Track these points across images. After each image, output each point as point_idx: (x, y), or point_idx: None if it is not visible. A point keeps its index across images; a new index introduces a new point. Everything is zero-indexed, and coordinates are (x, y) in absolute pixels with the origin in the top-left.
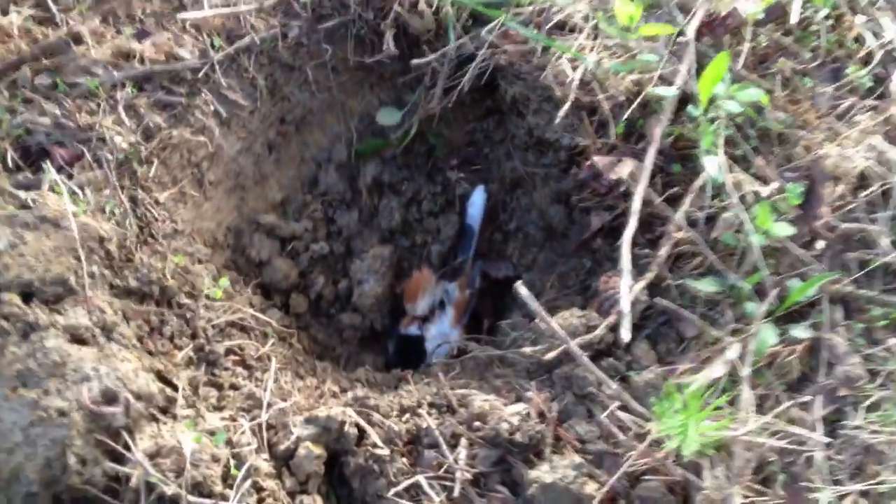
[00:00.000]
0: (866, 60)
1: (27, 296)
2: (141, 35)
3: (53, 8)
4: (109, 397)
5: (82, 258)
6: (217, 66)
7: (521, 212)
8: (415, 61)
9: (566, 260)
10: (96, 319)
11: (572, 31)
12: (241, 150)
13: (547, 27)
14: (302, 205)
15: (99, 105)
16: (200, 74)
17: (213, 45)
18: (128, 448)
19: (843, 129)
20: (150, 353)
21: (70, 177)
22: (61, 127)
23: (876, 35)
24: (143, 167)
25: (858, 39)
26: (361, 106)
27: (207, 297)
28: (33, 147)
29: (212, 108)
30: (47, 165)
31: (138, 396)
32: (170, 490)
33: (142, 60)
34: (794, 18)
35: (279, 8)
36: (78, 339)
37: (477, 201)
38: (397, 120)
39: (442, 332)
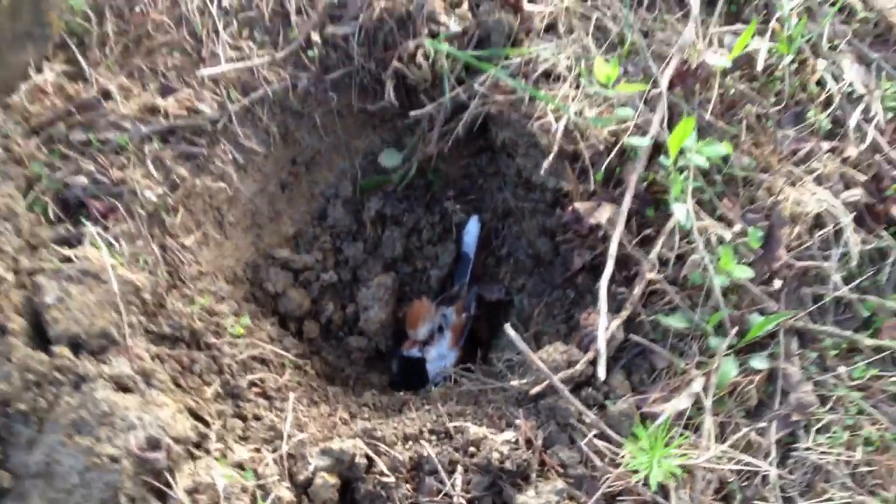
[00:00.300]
0: (827, 102)
1: (75, 347)
2: (165, 91)
3: (83, 63)
4: (153, 444)
5: (122, 310)
6: (234, 117)
7: (511, 239)
8: (413, 113)
9: (552, 290)
10: (137, 367)
11: (557, 79)
12: (256, 192)
13: (534, 76)
14: (312, 237)
15: (129, 159)
16: (219, 125)
17: (229, 98)
18: (169, 486)
19: (802, 172)
20: (182, 389)
21: (106, 229)
22: (96, 181)
23: (836, 78)
24: (170, 216)
25: (820, 83)
26: (365, 145)
27: (231, 334)
28: (71, 200)
29: (230, 156)
30: (86, 221)
31: (177, 440)
32: None
33: (166, 115)
34: (759, 66)
35: (289, 60)
36: (122, 387)
37: (472, 230)
38: (398, 162)
39: (441, 354)
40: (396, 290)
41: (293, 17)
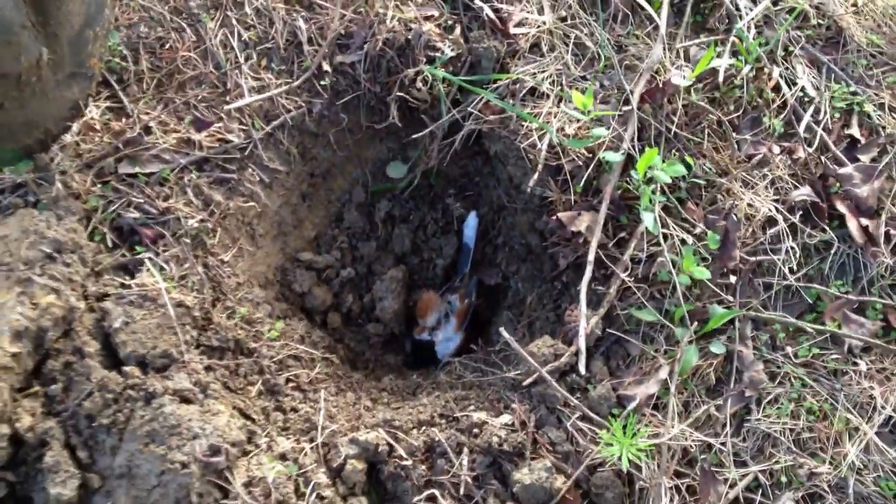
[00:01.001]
0: (782, 106)
1: (143, 366)
2: (198, 124)
3: (125, 100)
4: (214, 450)
5: (178, 331)
6: (258, 143)
7: (506, 230)
8: (414, 136)
9: (542, 283)
10: (195, 380)
11: (541, 96)
12: (281, 205)
13: (520, 95)
14: (331, 239)
15: (171, 189)
16: (246, 152)
17: (254, 126)
18: (229, 482)
19: (757, 176)
20: (232, 391)
21: (157, 254)
22: (145, 211)
23: (790, 83)
24: (209, 237)
25: (776, 88)
26: (373, 156)
27: (268, 338)
28: (125, 229)
29: (257, 177)
30: (140, 248)
31: (233, 444)
32: None
33: (200, 147)
34: (721, 79)
35: (304, 87)
36: (184, 399)
37: (471, 224)
38: (404, 173)
39: (447, 337)
40: (407, 281)
41: (305, 47)
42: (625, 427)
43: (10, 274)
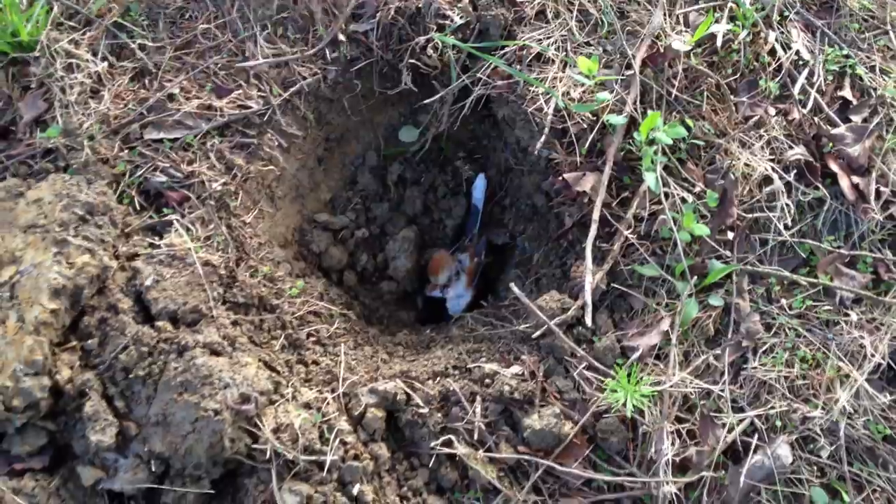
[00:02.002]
0: (778, 69)
1: (174, 321)
2: (219, 91)
3: (150, 66)
4: (245, 398)
5: (206, 288)
6: (277, 110)
7: (513, 191)
8: (425, 101)
9: (548, 241)
10: (223, 334)
11: (547, 62)
12: (298, 168)
13: (527, 61)
14: (346, 201)
15: (195, 154)
16: (265, 118)
17: (272, 93)
18: (259, 428)
19: (754, 136)
20: (257, 346)
21: (182, 216)
22: (170, 175)
23: (785, 47)
24: (232, 199)
25: (772, 52)
26: (386, 120)
27: (289, 295)
28: (151, 192)
29: (276, 142)
30: (167, 210)
31: (261, 393)
32: (290, 455)
33: (221, 113)
34: (719, 44)
35: (319, 55)
36: (214, 352)
37: (479, 186)
38: (415, 137)
39: (458, 294)
40: (418, 241)
41: (319, 16)
42: (629, 375)
43: (45, 235)
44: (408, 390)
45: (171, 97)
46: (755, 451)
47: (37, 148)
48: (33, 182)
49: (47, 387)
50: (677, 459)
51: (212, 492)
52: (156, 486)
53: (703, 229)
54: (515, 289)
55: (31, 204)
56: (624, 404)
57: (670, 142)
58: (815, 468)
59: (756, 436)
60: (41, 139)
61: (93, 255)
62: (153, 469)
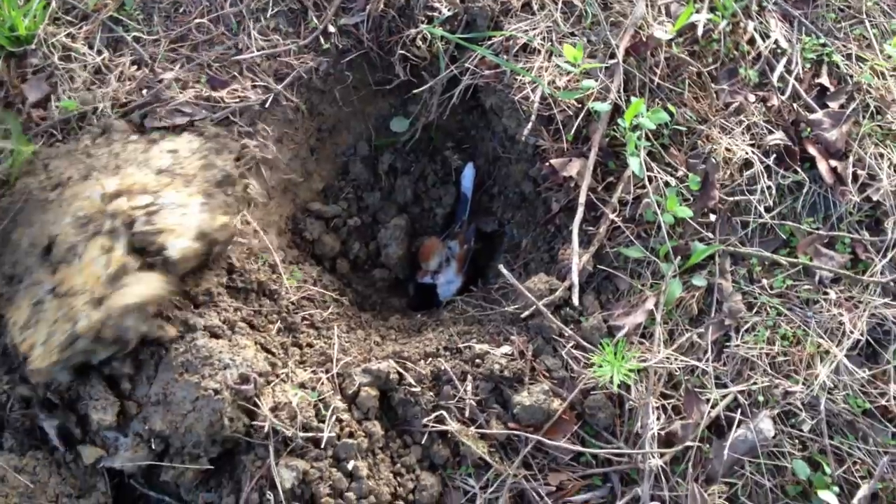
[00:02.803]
0: (757, 58)
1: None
2: (213, 83)
3: (146, 57)
4: (244, 378)
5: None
6: (269, 101)
7: (501, 179)
8: (416, 91)
9: (536, 227)
10: (224, 318)
11: (533, 52)
12: (291, 157)
13: (514, 51)
14: (338, 190)
15: None
16: (259, 108)
17: (266, 84)
18: (257, 406)
19: (734, 122)
20: (255, 329)
21: None
22: None
23: (764, 36)
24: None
25: (751, 41)
26: (376, 111)
27: (286, 282)
28: None
29: (269, 133)
30: None
31: (260, 374)
32: (289, 432)
33: (216, 103)
34: (699, 32)
35: (311, 47)
36: (215, 334)
37: (468, 174)
38: (406, 127)
39: (449, 280)
40: (409, 229)
41: (311, 12)
42: (615, 352)
43: (188, 182)
44: (400, 370)
45: (167, 87)
46: (738, 426)
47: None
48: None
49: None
50: (663, 433)
51: (210, 467)
52: (155, 463)
53: (686, 212)
54: (504, 270)
55: (164, 152)
56: (611, 380)
57: (654, 127)
58: (797, 441)
59: (739, 411)
60: (61, 109)
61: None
62: (153, 447)
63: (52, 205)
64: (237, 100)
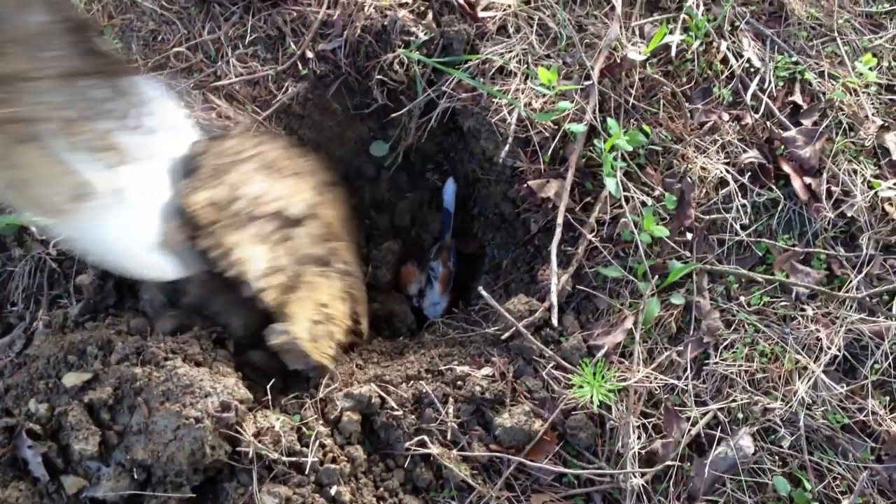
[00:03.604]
0: (730, 77)
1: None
2: (193, 110)
3: None
4: (225, 406)
5: None
6: (249, 126)
7: (481, 200)
8: (393, 115)
9: (515, 247)
10: (203, 346)
11: (509, 75)
12: None
13: (490, 73)
14: None
15: None
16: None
17: (246, 109)
18: (239, 433)
19: (709, 141)
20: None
21: None
22: None
23: (737, 55)
24: None
25: (724, 60)
26: (355, 135)
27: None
28: None
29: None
30: None
31: (241, 401)
32: (273, 455)
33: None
34: (673, 53)
35: (289, 73)
36: (196, 362)
37: (449, 189)
38: (386, 151)
39: (434, 301)
40: (401, 254)
41: (289, 39)
42: (595, 372)
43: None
44: (382, 394)
45: None
46: (718, 443)
47: None
48: None
49: None
50: (643, 453)
51: (193, 496)
52: (138, 492)
53: (662, 231)
54: (484, 293)
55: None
56: (591, 400)
57: (630, 148)
58: (777, 458)
59: (719, 428)
60: None
61: None
62: (135, 477)
63: None
64: (219, 126)
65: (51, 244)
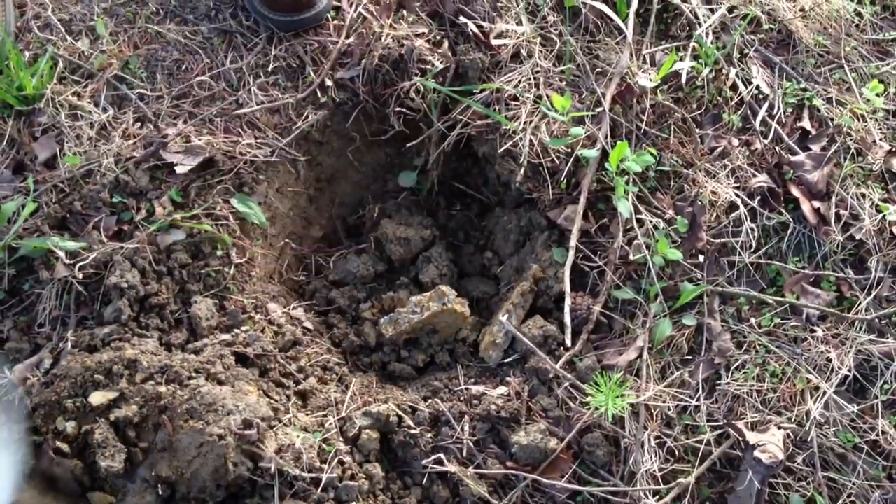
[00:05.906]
0: (739, 103)
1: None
2: (216, 137)
3: (149, 114)
4: (248, 424)
5: None
6: (270, 153)
7: (497, 224)
8: (409, 144)
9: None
10: (225, 364)
11: (523, 102)
12: (291, 207)
13: (504, 100)
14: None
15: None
16: (261, 160)
17: (267, 136)
18: (261, 450)
19: (719, 166)
20: (259, 376)
21: None
22: None
23: (746, 82)
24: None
25: (733, 87)
26: (373, 160)
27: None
28: None
29: (269, 183)
30: None
31: (263, 419)
32: (294, 472)
33: (223, 155)
34: (683, 81)
35: (309, 101)
36: (219, 381)
37: None
38: (414, 181)
39: None
40: None
41: (308, 67)
42: (607, 382)
43: None
44: (399, 412)
45: (167, 143)
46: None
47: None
48: None
49: None
50: (658, 473)
51: None
52: None
53: (676, 254)
54: (502, 318)
55: None
56: (606, 412)
57: (640, 169)
58: (791, 476)
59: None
60: (66, 166)
61: None
62: (160, 493)
63: None
64: (240, 153)
65: (76, 267)
